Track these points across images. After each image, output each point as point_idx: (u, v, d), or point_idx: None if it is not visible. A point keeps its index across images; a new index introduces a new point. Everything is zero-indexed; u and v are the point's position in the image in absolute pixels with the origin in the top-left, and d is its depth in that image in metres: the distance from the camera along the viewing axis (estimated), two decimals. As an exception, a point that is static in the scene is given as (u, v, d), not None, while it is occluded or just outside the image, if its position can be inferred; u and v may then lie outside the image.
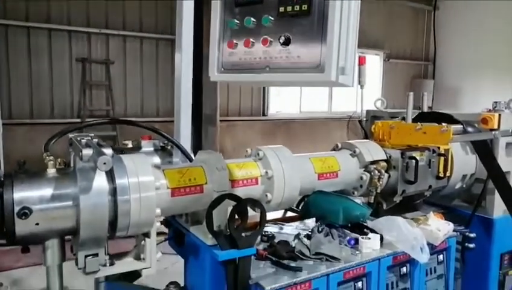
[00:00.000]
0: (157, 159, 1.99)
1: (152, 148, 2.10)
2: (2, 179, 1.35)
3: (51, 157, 1.44)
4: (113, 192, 1.44)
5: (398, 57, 10.45)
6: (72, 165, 1.53)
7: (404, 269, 2.01)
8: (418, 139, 2.27)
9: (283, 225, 2.25)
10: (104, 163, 1.21)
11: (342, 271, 1.74)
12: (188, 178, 1.68)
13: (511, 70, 9.06)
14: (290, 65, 1.41)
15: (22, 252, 1.43)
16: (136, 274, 1.87)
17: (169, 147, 2.16)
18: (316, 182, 2.06)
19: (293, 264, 1.71)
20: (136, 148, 1.95)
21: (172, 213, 1.79)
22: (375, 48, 9.88)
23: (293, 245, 1.88)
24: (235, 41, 1.55)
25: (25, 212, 1.28)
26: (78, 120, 6.33)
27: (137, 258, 1.61)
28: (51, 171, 1.42)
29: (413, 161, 2.23)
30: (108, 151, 1.28)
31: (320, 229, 2.00)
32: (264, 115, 8.55)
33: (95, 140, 1.48)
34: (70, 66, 6.34)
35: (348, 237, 1.96)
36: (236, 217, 1.63)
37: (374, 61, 10.38)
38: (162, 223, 2.03)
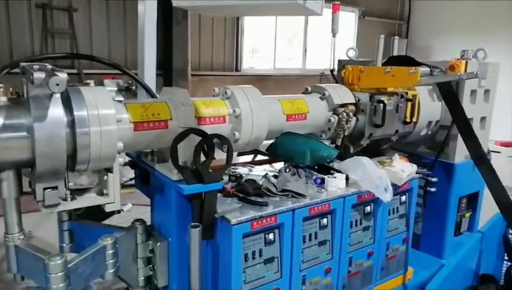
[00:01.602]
0: (120, 99, 1.91)
1: (115, 88, 2.01)
2: None
3: (1, 85, 1.34)
4: (71, 124, 1.37)
5: (373, 14, 10.37)
6: (25, 95, 1.43)
7: (368, 208, 2.07)
8: (386, 82, 2.28)
9: (252, 167, 2.26)
10: (57, 84, 1.14)
11: (307, 207, 1.77)
12: (152, 113, 1.62)
13: (483, 31, 9.20)
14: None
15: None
16: (101, 214, 1.85)
17: (133, 88, 2.09)
18: (285, 123, 2.05)
19: (259, 200, 1.72)
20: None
21: (136, 149, 1.75)
22: (351, 4, 9.74)
23: (260, 183, 1.89)
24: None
25: (-26, 140, 1.20)
26: (41, 71, 6.00)
27: (100, 194, 1.57)
28: (2, 99, 1.33)
29: (381, 104, 2.25)
30: (62, 74, 1.20)
31: (287, 170, 2.01)
32: (237, 70, 8.41)
33: (49, 66, 1.38)
34: (29, 12, 5.93)
35: (314, 176, 1.98)
36: (202, 153, 1.61)
37: (349, 18, 10.28)
38: (127, 164, 2.00)
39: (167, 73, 6.90)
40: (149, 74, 1.89)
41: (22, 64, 1.43)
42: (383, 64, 2.48)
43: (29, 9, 5.93)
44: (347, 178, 2.01)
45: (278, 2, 1.28)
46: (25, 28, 5.93)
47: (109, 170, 1.54)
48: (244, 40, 8.62)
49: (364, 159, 2.05)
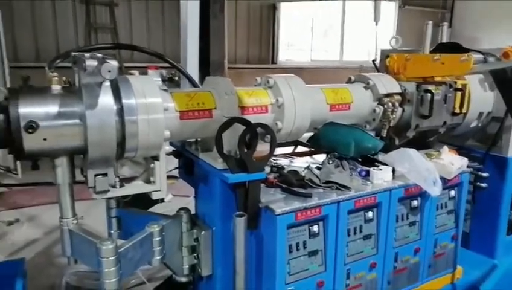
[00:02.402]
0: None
1: (159, 78, 2.04)
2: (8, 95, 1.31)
3: (55, 74, 1.39)
4: (120, 112, 1.39)
5: (414, 4, 9.98)
6: (76, 84, 1.48)
7: (415, 202, 2.00)
8: (435, 70, 2.18)
9: (293, 158, 2.23)
10: (109, 71, 1.16)
11: (352, 199, 1.72)
12: (197, 102, 1.63)
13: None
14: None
15: (32, 169, 1.42)
16: (147, 202, 1.89)
17: (176, 78, 2.10)
18: (328, 113, 2.00)
19: (303, 191, 1.70)
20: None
21: (182, 138, 1.76)
22: (390, -7, 9.43)
23: (303, 175, 1.86)
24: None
25: (31, 126, 1.25)
26: (84, 65, 6.23)
27: (147, 182, 1.60)
28: (56, 87, 1.38)
29: (429, 94, 2.15)
30: (113, 62, 1.22)
31: (330, 161, 1.97)
32: (273, 63, 8.36)
33: (99, 55, 1.41)
34: (73, 8, 6.15)
35: (359, 168, 1.93)
36: (246, 141, 1.60)
37: (389, 8, 9.95)
38: (171, 153, 2.03)
39: (204, 66, 6.95)
40: (191, 66, 1.89)
41: (74, 53, 1.47)
42: (431, 52, 2.37)
43: (73, 5, 6.15)
44: (393, 171, 1.94)
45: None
46: (69, 23, 6.18)
47: (156, 158, 1.57)
48: (280, 32, 8.54)
49: (412, 151, 1.97)
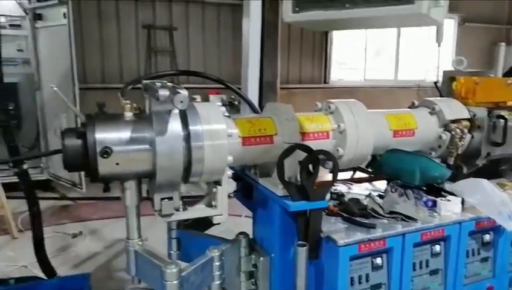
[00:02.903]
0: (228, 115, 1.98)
1: (220, 103, 2.09)
2: (85, 121, 1.40)
3: (128, 101, 1.47)
4: (187, 138, 1.44)
5: (475, 20, 9.52)
6: (147, 110, 1.55)
7: (487, 237, 1.85)
8: (508, 95, 2.04)
9: (351, 184, 2.17)
10: (181, 101, 1.20)
11: (419, 232, 1.64)
12: (258, 128, 1.64)
13: None
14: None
15: (104, 191, 1.50)
16: (206, 224, 1.92)
17: (236, 103, 2.14)
18: (391, 139, 1.93)
19: (365, 221, 1.64)
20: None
21: (243, 163, 1.78)
22: (450, 10, 9.07)
23: (365, 203, 1.80)
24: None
25: (107, 151, 1.32)
26: (145, 85, 6.57)
27: (209, 205, 1.62)
28: (128, 114, 1.45)
29: (502, 120, 2.02)
30: (184, 91, 1.26)
31: (393, 189, 1.89)
32: (325, 82, 8.31)
33: (169, 84, 1.48)
34: (136, 33, 6.55)
35: (424, 198, 1.83)
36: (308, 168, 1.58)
37: (448, 26, 9.57)
38: (230, 177, 2.05)
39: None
40: (252, 89, 1.92)
41: (145, 81, 1.55)
42: (504, 75, 2.23)
43: (136, 30, 6.54)
44: (462, 202, 1.82)
45: (400, 13, 1.20)
46: (132, 46, 6.57)
47: (218, 182, 1.59)
48: (332, 52, 8.50)
49: (484, 181, 1.84)
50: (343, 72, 9.04)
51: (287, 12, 1.52)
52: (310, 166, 1.59)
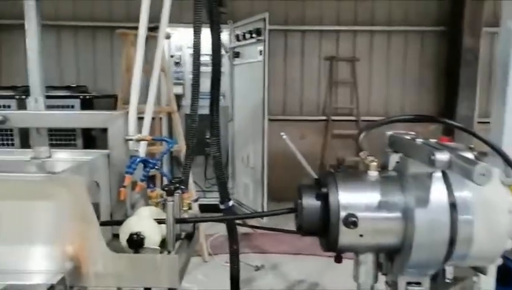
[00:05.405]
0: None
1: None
2: (321, 178, 1.19)
3: (373, 158, 1.20)
4: (452, 209, 1.09)
5: None
6: (389, 167, 1.26)
7: None
8: None
9: None
10: (483, 174, 0.86)
11: None
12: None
13: None
14: None
15: (336, 262, 1.26)
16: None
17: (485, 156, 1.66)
18: None
19: None
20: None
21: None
22: None
23: None
24: None
25: (354, 221, 1.08)
26: (324, 118, 6.49)
27: (463, 296, 1.21)
28: (373, 173, 1.18)
29: None
30: (483, 163, 0.91)
31: None
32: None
33: (432, 140, 1.16)
34: (319, 65, 6.55)
35: None
36: None
37: None
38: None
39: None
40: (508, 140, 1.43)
41: (389, 133, 1.28)
42: None
43: (319, 62, 6.56)
44: None
45: None
46: (313, 79, 6.60)
47: (481, 270, 1.18)
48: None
49: None
50: None
51: None
52: None
